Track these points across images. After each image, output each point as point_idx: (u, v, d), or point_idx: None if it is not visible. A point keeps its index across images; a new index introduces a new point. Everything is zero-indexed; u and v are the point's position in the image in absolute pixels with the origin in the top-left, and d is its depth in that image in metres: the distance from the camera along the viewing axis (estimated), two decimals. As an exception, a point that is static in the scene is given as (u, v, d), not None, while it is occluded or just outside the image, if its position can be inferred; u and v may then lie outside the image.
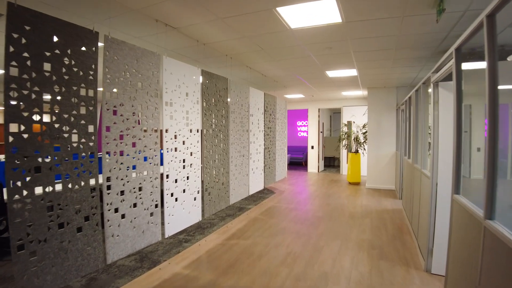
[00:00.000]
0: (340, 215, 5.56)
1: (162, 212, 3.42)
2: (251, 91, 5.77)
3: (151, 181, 3.21)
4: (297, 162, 12.86)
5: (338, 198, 6.99)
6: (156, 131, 3.30)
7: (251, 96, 5.75)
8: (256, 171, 6.04)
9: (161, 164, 3.45)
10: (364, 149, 8.73)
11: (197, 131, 4.07)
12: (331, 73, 6.16)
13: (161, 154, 3.48)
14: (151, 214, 3.20)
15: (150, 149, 3.22)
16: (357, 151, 8.85)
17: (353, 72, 6.05)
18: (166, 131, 3.55)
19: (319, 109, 11.09)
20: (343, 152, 10.48)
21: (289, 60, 5.17)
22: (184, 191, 3.80)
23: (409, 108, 5.51)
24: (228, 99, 4.88)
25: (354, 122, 9.87)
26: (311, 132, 11.19)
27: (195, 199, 4.01)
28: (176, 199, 3.68)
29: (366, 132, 8.63)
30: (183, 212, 3.79)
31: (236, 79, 6.44)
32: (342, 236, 4.52)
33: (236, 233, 4.56)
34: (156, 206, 3.27)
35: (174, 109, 3.65)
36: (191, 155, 3.94)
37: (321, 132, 11.30)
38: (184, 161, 3.82)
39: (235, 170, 5.12)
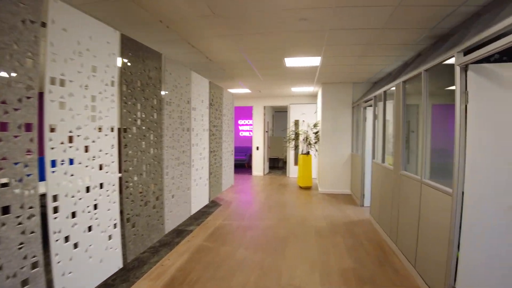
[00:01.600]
0: (305, 233, 4.51)
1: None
2: (194, 78, 4.39)
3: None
4: (240, 164, 11.70)
5: (295, 208, 5.98)
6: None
7: (193, 84, 4.37)
8: (200, 182, 4.68)
9: (45, 183, 1.92)
10: (316, 150, 7.93)
11: (112, 130, 2.58)
12: (291, 61, 5.10)
13: (41, 168, 1.94)
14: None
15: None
16: (308, 153, 8.02)
17: (316, 61, 5.08)
18: (52, 129, 2.03)
19: (264, 106, 10.07)
20: (291, 153, 9.64)
21: (247, 37, 3.93)
22: (89, 228, 2.30)
23: (384, 106, 4.72)
24: (162, 85, 3.45)
25: (303, 121, 9.07)
26: (256, 132, 10.10)
27: (110, 238, 2.53)
28: (75, 245, 2.17)
29: (318, 131, 7.84)
30: (89, 263, 2.29)
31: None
32: (318, 265, 3.46)
33: (177, 277, 3.16)
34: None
35: (68, 92, 2.13)
36: (100, 169, 2.44)
37: (266, 131, 10.31)
38: (89, 179, 2.32)
39: (172, 184, 3.70)
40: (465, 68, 2.45)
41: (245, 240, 4.21)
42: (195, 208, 4.50)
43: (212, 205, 6.02)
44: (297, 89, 8.25)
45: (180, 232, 4.46)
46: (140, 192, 2.99)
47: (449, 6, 2.91)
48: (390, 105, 4.89)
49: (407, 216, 3.53)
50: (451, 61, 2.76)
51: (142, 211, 3.03)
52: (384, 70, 5.85)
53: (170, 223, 3.67)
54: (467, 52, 2.47)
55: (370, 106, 5.96)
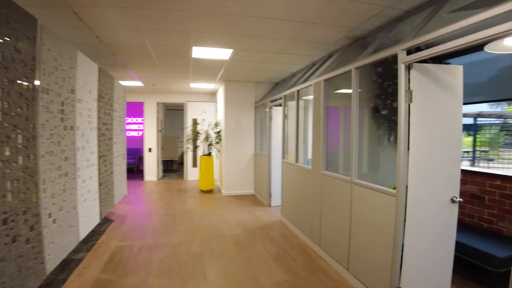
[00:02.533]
0: (222, 245, 4.01)
1: None
2: (80, 60, 3.30)
3: None
4: (128, 169, 10.19)
5: (203, 216, 5.39)
6: None
7: (79, 68, 3.28)
8: (89, 197, 3.59)
9: None
10: (219, 150, 7.49)
11: None
12: (199, 51, 4.48)
13: None
14: None
15: None
16: (209, 154, 7.50)
17: (226, 54, 4.61)
18: None
19: (158, 103, 8.99)
20: (189, 155, 8.91)
21: (151, 13, 3.12)
22: None
23: (297, 106, 4.63)
24: (38, 64, 2.37)
25: (204, 119, 8.48)
26: (148, 131, 8.93)
27: None
28: None
29: (220, 131, 7.42)
30: None
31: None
32: (249, 283, 3.03)
33: None
34: None
35: None
36: None
37: (160, 131, 9.25)
38: None
39: (52, 205, 2.61)
40: (408, 67, 2.42)
41: (155, 265, 3.41)
42: (84, 231, 3.41)
43: (103, 221, 4.83)
44: (196, 85, 7.61)
45: (65, 264, 3.28)
46: (4, 224, 1.93)
47: (379, 6, 2.89)
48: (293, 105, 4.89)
49: (334, 218, 3.46)
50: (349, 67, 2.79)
51: (9, 251, 1.96)
52: (289, 70, 5.86)
53: (54, 259, 2.58)
54: (409, 52, 2.47)
55: (278, 105, 5.90)
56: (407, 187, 2.41)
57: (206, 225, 4.86)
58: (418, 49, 2.42)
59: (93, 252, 3.69)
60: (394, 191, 2.50)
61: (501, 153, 5.64)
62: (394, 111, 4.04)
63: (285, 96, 5.18)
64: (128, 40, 3.97)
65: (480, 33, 1.83)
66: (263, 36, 3.83)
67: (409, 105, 2.42)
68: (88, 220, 3.55)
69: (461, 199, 2.46)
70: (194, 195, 7.07)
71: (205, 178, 7.29)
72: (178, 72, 6.01)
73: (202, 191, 7.45)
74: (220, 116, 7.62)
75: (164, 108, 11.30)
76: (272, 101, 6.01)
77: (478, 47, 3.27)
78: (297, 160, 4.61)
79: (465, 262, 2.99)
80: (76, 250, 3.64)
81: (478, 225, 3.50)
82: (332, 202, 3.51)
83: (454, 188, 2.46)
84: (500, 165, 5.66)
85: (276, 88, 6.74)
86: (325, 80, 3.74)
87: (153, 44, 4.11)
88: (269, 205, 6.11)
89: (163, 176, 9.74)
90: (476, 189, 3.52)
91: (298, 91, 4.59)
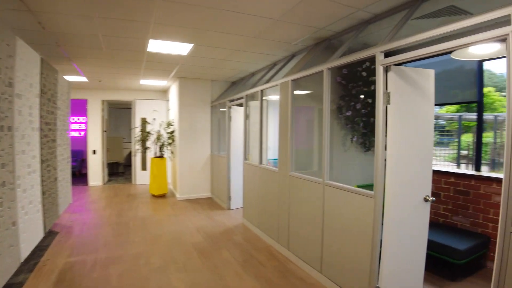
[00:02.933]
0: (186, 255, 3.74)
1: None
2: (20, 48, 2.79)
3: None
4: (64, 173, 9.19)
5: (160, 223, 5.01)
6: None
7: (19, 57, 2.77)
8: (31, 209, 3.06)
9: None
10: (172, 152, 7.09)
11: None
12: (156, 45, 4.13)
13: None
14: None
15: None
16: (162, 155, 7.06)
17: (185, 49, 4.32)
18: None
19: (103, 100, 8.22)
20: (138, 157, 8.31)
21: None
22: None
23: (261, 106, 4.54)
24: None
25: (155, 119, 7.96)
26: (92, 132, 8.10)
27: None
28: None
29: (173, 131, 7.02)
30: None
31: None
32: (223, 297, 2.84)
33: None
34: None
35: None
36: None
37: (105, 131, 8.47)
38: None
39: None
40: (386, 69, 2.45)
41: (114, 283, 3.00)
42: (26, 250, 2.89)
43: (47, 234, 4.20)
44: (147, 82, 7.09)
45: (-4, 293, 2.75)
46: None
47: (352, 8, 2.91)
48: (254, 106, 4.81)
49: (304, 220, 3.42)
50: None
51: None
52: (248, 69, 5.75)
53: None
54: (386, 54, 2.50)
55: (237, 105, 5.76)
56: (384, 188, 2.45)
57: (165, 233, 4.51)
58: (392, 52, 2.46)
59: (37, 272, 3.14)
60: (372, 192, 2.51)
61: (435, 151, 6.24)
62: (357, 112, 4.15)
63: (246, 95, 5.05)
64: (77, 29, 3.48)
65: (452, 42, 1.95)
66: (227, 32, 3.64)
67: (386, 106, 2.46)
68: (30, 237, 3.03)
69: (433, 198, 2.57)
70: (147, 201, 6.58)
71: (157, 182, 6.84)
72: (130, 67, 5.52)
73: (154, 196, 6.97)
74: (173, 115, 7.22)
75: (108, 107, 10.43)
76: (231, 101, 5.84)
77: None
78: (261, 161, 4.52)
79: (428, 256, 3.16)
80: (16, 273, 3.08)
81: (435, 220, 3.75)
82: (302, 204, 3.47)
83: (426, 188, 2.56)
84: (435, 162, 6.25)
85: (234, 88, 6.58)
86: (293, 80, 3.70)
87: (106, 34, 3.68)
88: (229, 208, 5.93)
89: (109, 180, 8.95)
90: (433, 186, 3.76)
91: (261, 90, 4.49)
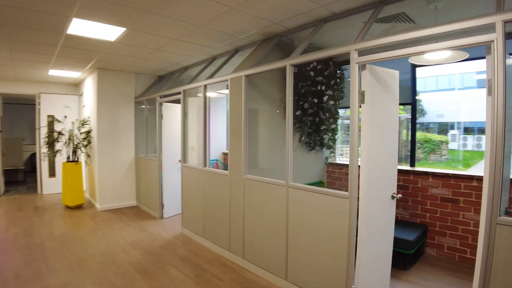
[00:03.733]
0: (125, 278, 3.12)
1: None
2: None
3: None
4: None
5: (84, 241, 4.14)
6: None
7: None
8: None
9: None
10: (88, 155, 6.03)
11: None
12: (79, 26, 3.34)
13: None
14: None
15: None
16: (77, 160, 5.95)
17: (114, 33, 3.63)
18: None
19: (-6, 93, 6.51)
20: (45, 162, 6.84)
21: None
22: None
23: (206, 103, 4.15)
24: None
25: (66, 117, 6.65)
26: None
27: None
28: None
29: (90, 131, 5.99)
30: None
31: None
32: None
33: None
34: None
35: None
36: None
37: (0, 131, 6.73)
38: None
39: None
40: (360, 68, 2.40)
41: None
42: None
43: None
44: (57, 73, 5.85)
45: None
46: None
47: (314, 3, 2.81)
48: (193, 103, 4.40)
49: (264, 225, 3.21)
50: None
51: None
52: (181, 63, 5.24)
53: None
54: (361, 52, 2.45)
55: (170, 102, 5.22)
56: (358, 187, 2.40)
57: (93, 253, 3.73)
58: (362, 52, 2.44)
59: None
60: (346, 193, 2.45)
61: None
62: (305, 111, 4.13)
63: (184, 91, 4.57)
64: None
65: (432, 45, 2.02)
66: (172, 16, 3.15)
67: (359, 106, 2.41)
68: None
69: (400, 195, 2.65)
70: (61, 214, 5.42)
71: (72, 191, 5.73)
72: (39, 52, 4.43)
73: (69, 207, 5.81)
74: (89, 112, 6.16)
75: (2, 102, 8.37)
76: (163, 96, 5.24)
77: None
78: (206, 163, 4.13)
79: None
80: None
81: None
82: (260, 208, 3.25)
83: (393, 185, 2.62)
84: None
85: (162, 82, 5.96)
86: (247, 76, 3.44)
87: (16, 6, 2.80)
88: (162, 217, 5.33)
89: (7, 191, 7.12)
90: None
91: (205, 86, 4.11)
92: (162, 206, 5.32)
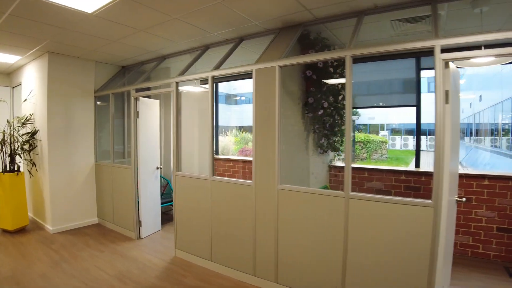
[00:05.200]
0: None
1: None
2: None
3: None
4: None
5: (46, 280, 3.05)
6: None
7: None
8: None
9: None
10: (33, 163, 4.69)
11: None
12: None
13: None
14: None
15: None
16: (17, 169, 4.57)
17: (100, 0, 2.78)
18: None
19: None
20: None
21: None
22: None
23: (215, 96, 3.45)
24: None
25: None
26: None
27: None
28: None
29: (34, 132, 4.67)
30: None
31: None
32: None
33: None
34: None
35: None
36: None
37: None
38: None
39: None
40: (443, 66, 2.12)
41: None
42: None
43: None
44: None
45: None
46: None
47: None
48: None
49: (308, 244, 2.72)
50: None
51: None
52: (160, 50, 4.39)
53: None
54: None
55: (146, 97, 4.38)
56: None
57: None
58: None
59: None
60: (430, 201, 2.11)
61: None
62: (325, 111, 3.76)
63: (177, 83, 3.79)
64: None
65: None
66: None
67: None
68: None
69: (465, 198, 2.43)
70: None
71: (11, 210, 4.35)
72: None
73: (7, 231, 4.40)
74: (34, 108, 4.81)
75: None
76: (139, 90, 4.33)
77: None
78: (213, 172, 3.44)
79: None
80: None
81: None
82: (302, 224, 2.76)
83: (456, 189, 2.39)
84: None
85: (132, 74, 4.99)
86: (281, 67, 2.90)
87: None
88: (139, 237, 4.39)
89: None
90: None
91: (213, 77, 3.42)
92: (139, 223, 4.39)
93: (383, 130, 23.69)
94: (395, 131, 24.28)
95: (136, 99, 4.32)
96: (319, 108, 3.64)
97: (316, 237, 2.67)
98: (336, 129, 3.96)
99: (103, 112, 5.11)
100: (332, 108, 3.82)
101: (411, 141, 20.96)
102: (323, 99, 3.64)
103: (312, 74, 3.58)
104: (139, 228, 4.40)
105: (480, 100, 16.88)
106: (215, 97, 3.43)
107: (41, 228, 4.67)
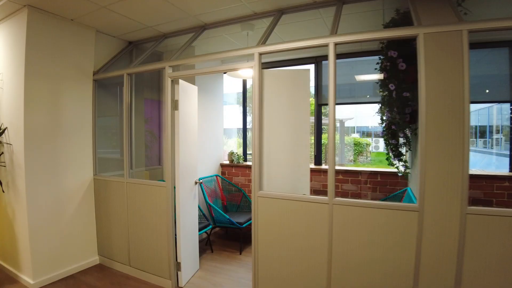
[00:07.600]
0: None
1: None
2: None
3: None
4: None
5: None
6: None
7: None
8: None
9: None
10: (-5, 181, 2.98)
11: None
12: None
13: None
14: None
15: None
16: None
17: None
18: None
19: None
20: None
21: None
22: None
23: (334, 75, 2.29)
24: None
25: None
26: None
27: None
28: None
29: (2, 131, 2.98)
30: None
31: None
32: None
33: None
34: None
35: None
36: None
37: None
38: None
39: None
40: None
41: None
42: None
43: None
44: None
45: None
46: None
47: None
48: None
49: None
50: None
51: None
52: (197, 17, 3.10)
53: None
54: None
55: (186, 82, 3.05)
56: None
57: None
58: None
59: None
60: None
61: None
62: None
63: (260, 54, 2.54)
64: None
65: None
66: None
67: None
68: None
69: None
70: None
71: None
72: None
73: None
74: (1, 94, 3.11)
75: None
76: (174, 69, 2.97)
77: None
78: (334, 192, 2.26)
79: None
80: None
81: None
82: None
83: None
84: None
85: (138, 51, 3.58)
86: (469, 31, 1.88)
87: None
88: (177, 286, 3.00)
89: None
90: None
91: (335, 43, 2.26)
92: (179, 265, 2.99)
93: (354, 132, 24.00)
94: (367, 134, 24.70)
95: (174, 81, 2.94)
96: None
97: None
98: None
99: (104, 103, 3.57)
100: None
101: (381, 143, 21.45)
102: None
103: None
104: (178, 273, 2.99)
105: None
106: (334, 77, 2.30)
107: (14, 281, 2.93)
